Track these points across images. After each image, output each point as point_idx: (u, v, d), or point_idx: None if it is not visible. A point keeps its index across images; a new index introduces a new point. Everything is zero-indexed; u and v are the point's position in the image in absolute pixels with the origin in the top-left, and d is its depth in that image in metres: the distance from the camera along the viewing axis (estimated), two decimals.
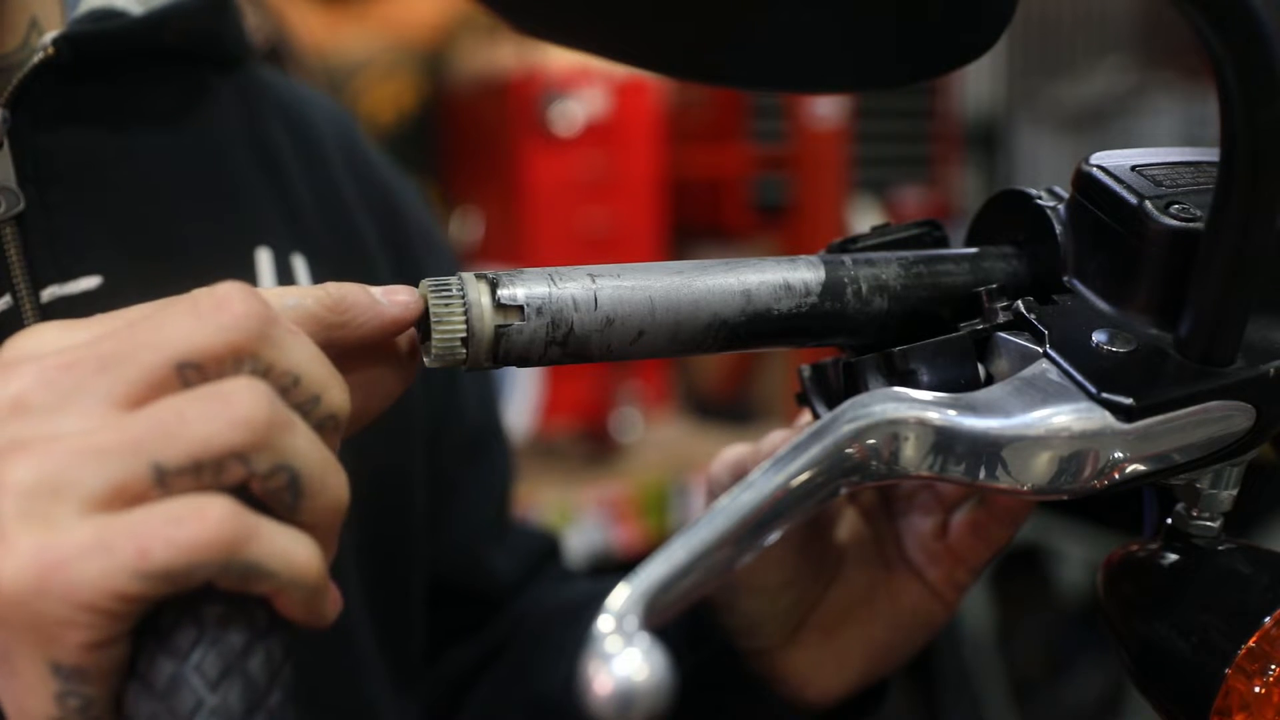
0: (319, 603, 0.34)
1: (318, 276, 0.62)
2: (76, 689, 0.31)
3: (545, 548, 0.80)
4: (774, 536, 0.36)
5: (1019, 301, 0.42)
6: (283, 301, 0.37)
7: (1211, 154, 0.41)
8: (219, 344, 0.33)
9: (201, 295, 0.34)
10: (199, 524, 0.31)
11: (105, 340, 0.33)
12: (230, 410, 0.32)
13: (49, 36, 0.52)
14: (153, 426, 0.32)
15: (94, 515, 0.31)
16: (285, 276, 0.60)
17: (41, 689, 0.31)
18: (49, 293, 0.51)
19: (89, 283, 0.52)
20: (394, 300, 0.39)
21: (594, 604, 0.32)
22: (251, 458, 0.32)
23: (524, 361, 0.40)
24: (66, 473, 0.31)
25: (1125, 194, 0.41)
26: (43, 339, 0.34)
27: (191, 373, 0.33)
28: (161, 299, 0.35)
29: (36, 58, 0.51)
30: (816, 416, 0.47)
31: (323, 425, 0.35)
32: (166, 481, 0.31)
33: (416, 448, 0.68)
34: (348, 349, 0.38)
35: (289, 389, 0.34)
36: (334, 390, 0.36)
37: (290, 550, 0.32)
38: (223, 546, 0.31)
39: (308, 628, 0.34)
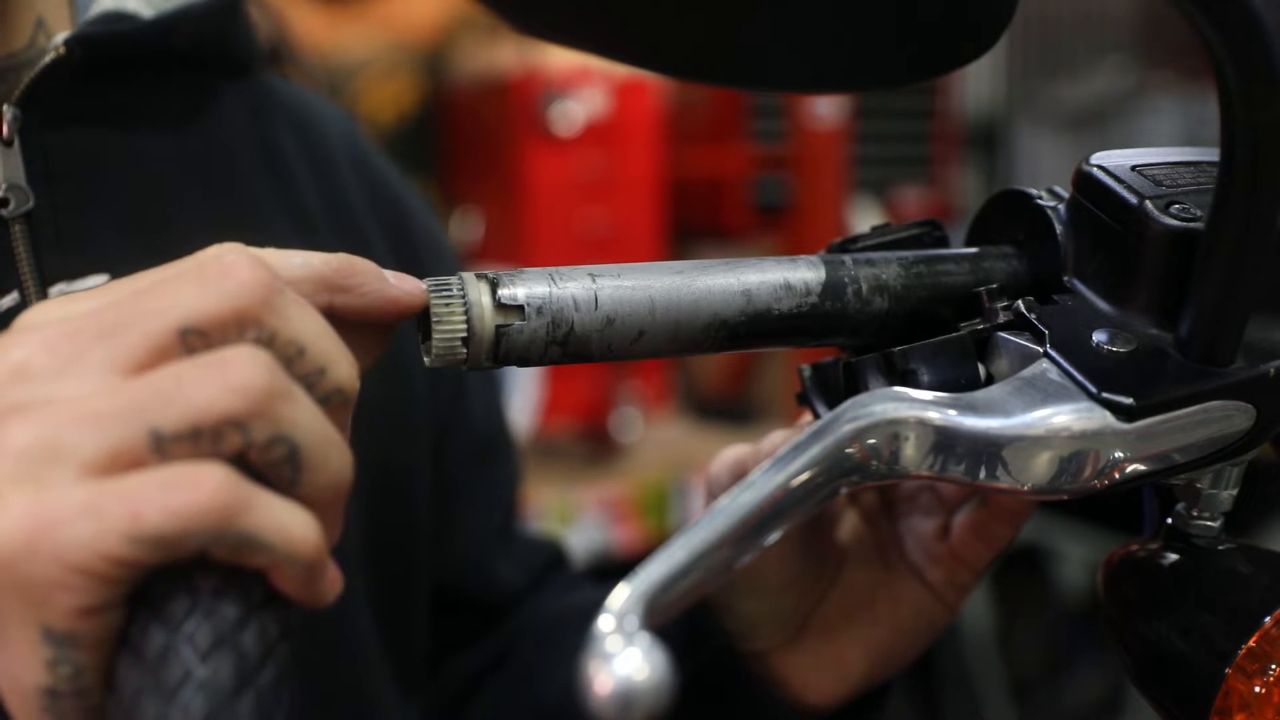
0: (316, 580, 0.34)
1: None
2: (68, 656, 0.31)
3: (551, 556, 0.80)
4: (774, 536, 0.36)
5: (1019, 301, 0.42)
6: (290, 260, 0.37)
7: (1211, 154, 0.41)
8: (223, 310, 0.33)
9: (208, 260, 0.34)
10: (193, 490, 0.30)
11: (109, 308, 0.33)
12: (229, 377, 0.32)
13: (60, 37, 0.52)
14: (151, 392, 0.31)
15: (89, 479, 0.31)
16: None
17: (32, 656, 0.31)
18: (56, 290, 0.51)
19: (96, 281, 0.52)
20: (402, 284, 0.39)
21: (597, 610, 0.32)
22: (250, 426, 0.32)
23: (524, 361, 0.40)
24: (64, 436, 0.31)
25: (1125, 194, 0.42)
26: (50, 311, 0.34)
27: (195, 339, 0.33)
28: (169, 264, 0.35)
29: (48, 57, 0.52)
30: (817, 416, 0.47)
31: (328, 400, 0.35)
32: (164, 448, 0.31)
33: (423, 450, 0.68)
34: (347, 319, 0.38)
35: (293, 359, 0.34)
36: (341, 365, 0.35)
37: (286, 523, 0.32)
38: (216, 514, 0.31)
39: (305, 606, 0.34)
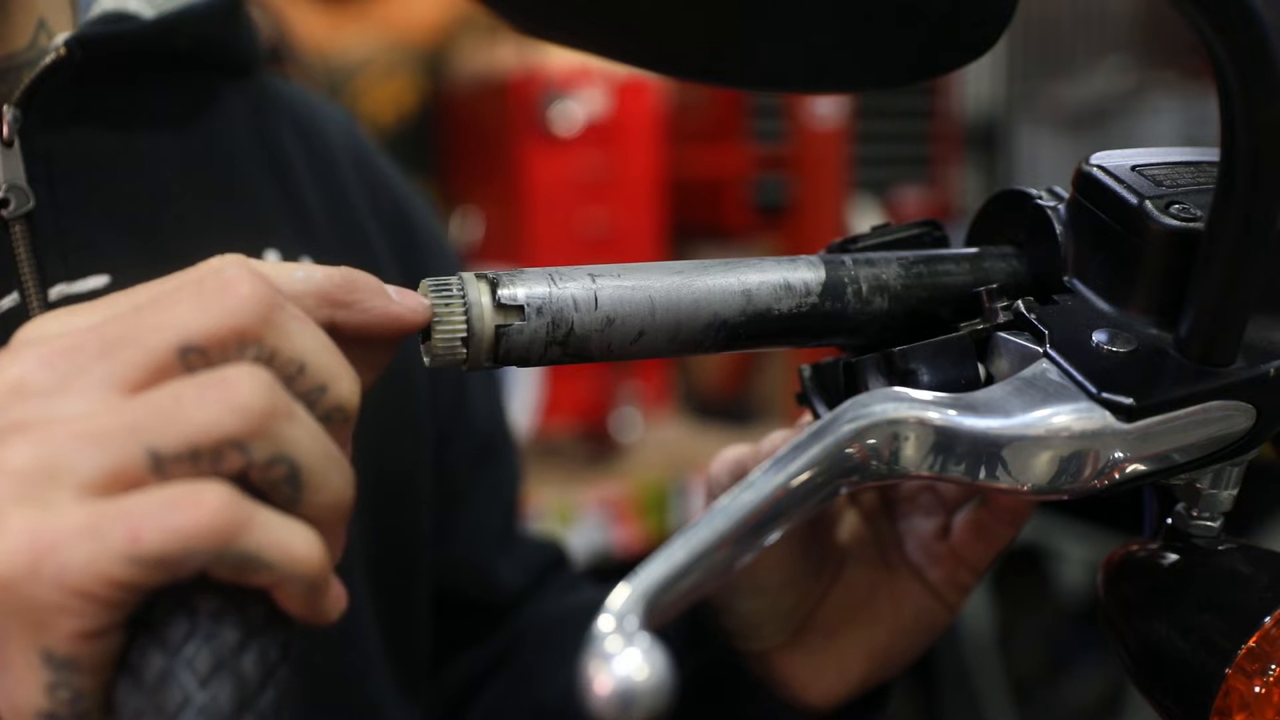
0: (319, 598, 0.33)
1: None
2: (67, 680, 0.31)
3: (552, 558, 0.80)
4: (774, 537, 0.36)
5: (1019, 301, 0.42)
6: (292, 275, 0.36)
7: (1211, 154, 0.41)
8: (223, 328, 0.33)
9: (208, 276, 0.34)
10: (194, 510, 0.30)
11: (108, 324, 0.33)
12: (229, 396, 0.31)
13: (61, 38, 0.52)
14: (151, 411, 0.31)
15: (89, 500, 0.31)
16: None
17: (32, 679, 0.31)
18: (57, 291, 0.51)
19: (97, 281, 0.52)
20: (404, 300, 0.38)
21: (597, 610, 0.32)
22: (250, 446, 0.32)
23: (524, 361, 0.40)
24: (63, 457, 0.31)
25: (1125, 194, 0.41)
26: (48, 325, 0.34)
27: (194, 357, 0.32)
28: (169, 277, 0.35)
29: (49, 58, 0.52)
30: (817, 416, 0.47)
31: (329, 417, 0.34)
32: (164, 468, 0.31)
33: (424, 452, 0.68)
34: (346, 335, 0.37)
35: (294, 377, 0.34)
36: (342, 381, 0.35)
37: (288, 541, 0.32)
38: (217, 534, 0.30)
39: (309, 624, 0.34)
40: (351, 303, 0.37)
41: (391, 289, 0.38)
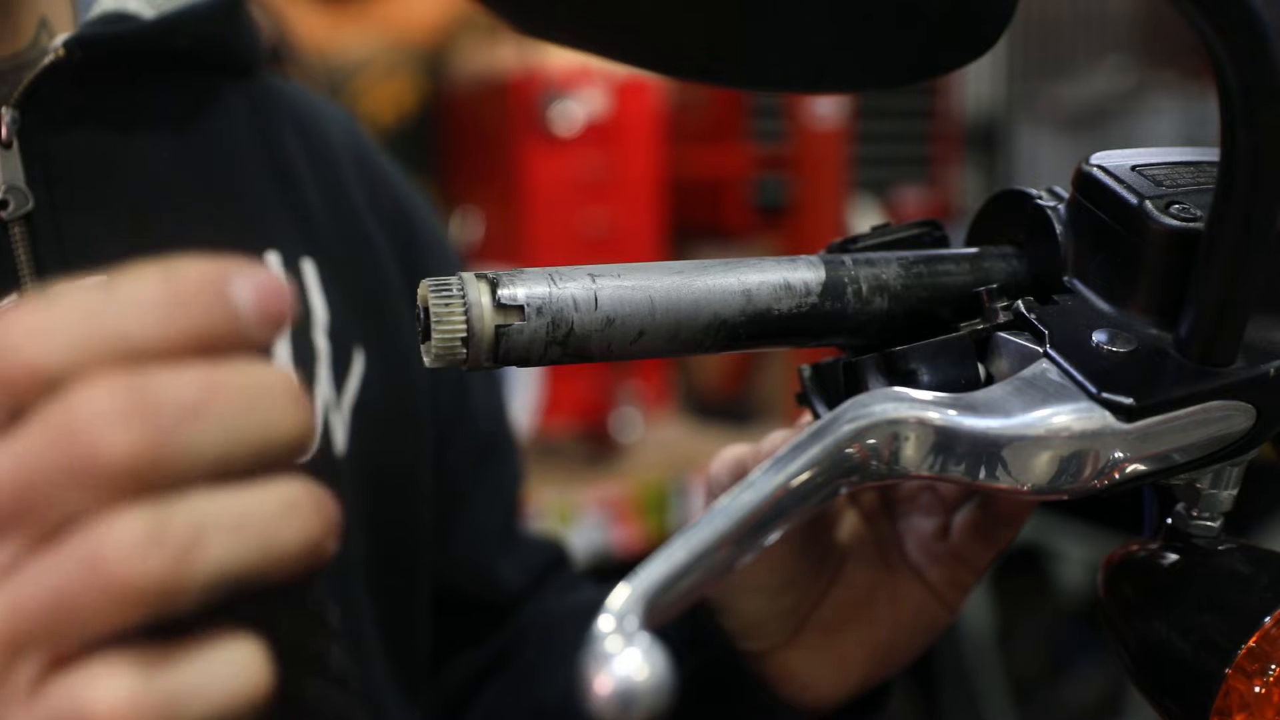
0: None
1: (327, 280, 0.62)
2: None
3: (553, 557, 0.80)
4: (774, 536, 0.36)
5: (1019, 301, 0.42)
6: (116, 338, 0.29)
7: (1211, 154, 0.41)
8: (118, 507, 0.26)
9: (63, 439, 0.26)
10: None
11: None
12: (102, 576, 0.25)
13: (61, 38, 0.52)
14: (17, 631, 0.26)
15: None
16: (294, 280, 0.60)
17: None
18: None
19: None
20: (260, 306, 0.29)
21: (597, 610, 0.32)
22: (170, 604, 0.26)
23: (524, 361, 0.40)
24: None
25: (1125, 194, 0.41)
26: None
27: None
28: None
29: (48, 59, 0.52)
30: (816, 416, 0.47)
31: (287, 458, 0.29)
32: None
33: (425, 449, 0.68)
34: None
35: (221, 474, 0.27)
36: (282, 422, 0.28)
37: (225, 685, 0.27)
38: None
39: None
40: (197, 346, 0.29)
41: (244, 291, 0.29)
